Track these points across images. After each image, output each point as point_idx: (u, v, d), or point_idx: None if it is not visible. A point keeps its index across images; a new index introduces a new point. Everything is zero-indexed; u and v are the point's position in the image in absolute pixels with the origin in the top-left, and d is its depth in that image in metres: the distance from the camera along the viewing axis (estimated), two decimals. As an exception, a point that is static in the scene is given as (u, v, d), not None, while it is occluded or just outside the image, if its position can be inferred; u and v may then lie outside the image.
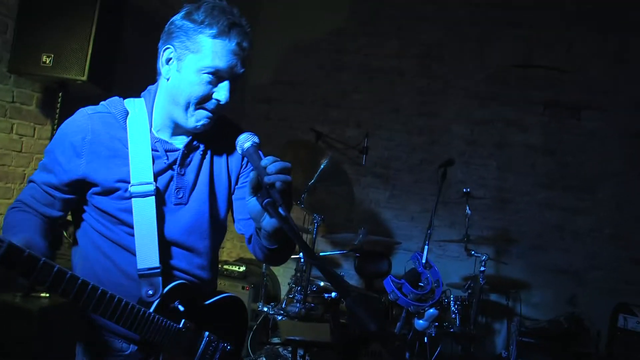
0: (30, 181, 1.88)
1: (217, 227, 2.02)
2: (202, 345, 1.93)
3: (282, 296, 5.74)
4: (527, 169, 6.02)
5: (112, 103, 1.89)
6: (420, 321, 4.03)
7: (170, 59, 1.81)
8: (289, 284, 4.99)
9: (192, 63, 1.76)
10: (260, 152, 1.75)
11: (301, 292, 4.62)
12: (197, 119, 1.82)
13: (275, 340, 4.57)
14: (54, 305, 3.53)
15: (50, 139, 3.76)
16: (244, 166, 2.06)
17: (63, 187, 1.83)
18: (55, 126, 3.78)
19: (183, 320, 1.85)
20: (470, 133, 6.19)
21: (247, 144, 1.74)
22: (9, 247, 1.39)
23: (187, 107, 1.80)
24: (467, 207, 4.94)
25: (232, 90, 1.82)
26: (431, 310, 3.98)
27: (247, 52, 1.81)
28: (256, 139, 1.76)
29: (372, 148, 5.94)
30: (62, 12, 3.56)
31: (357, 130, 6.36)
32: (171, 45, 1.79)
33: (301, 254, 4.74)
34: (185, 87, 1.78)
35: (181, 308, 1.85)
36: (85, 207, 1.88)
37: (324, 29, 6.63)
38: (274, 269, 6.03)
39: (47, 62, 3.54)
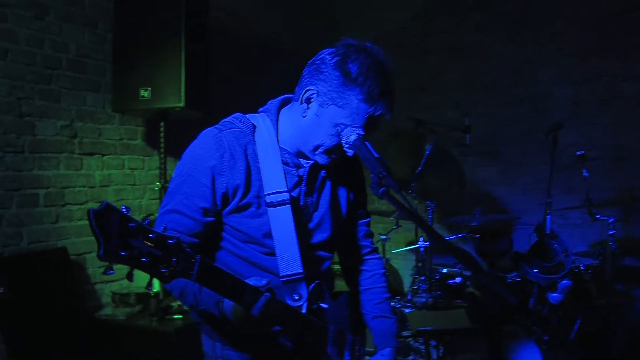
0: (171, 211, 1.77)
1: (337, 239, 2.05)
2: (348, 343, 1.94)
3: (405, 289, 5.69)
4: (642, 122, 5.63)
5: (237, 118, 1.87)
6: (554, 294, 3.87)
7: (311, 100, 1.79)
8: (411, 275, 4.94)
9: (333, 115, 1.75)
10: (367, 144, 1.73)
11: (425, 281, 4.56)
12: (322, 159, 1.83)
13: (406, 333, 4.52)
14: (187, 325, 3.69)
15: (159, 168, 3.93)
16: (358, 183, 2.11)
17: (212, 208, 1.77)
18: (162, 155, 3.92)
19: (326, 320, 1.87)
20: (574, 93, 5.88)
21: (353, 137, 1.73)
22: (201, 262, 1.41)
23: (315, 150, 1.81)
24: (585, 170, 4.68)
25: None
26: (564, 282, 3.82)
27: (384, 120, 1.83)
28: (360, 131, 1.74)
29: (473, 126, 5.77)
30: (152, 46, 3.70)
31: (455, 111, 6.18)
32: (315, 88, 1.77)
33: (419, 243, 4.69)
34: (320, 134, 1.78)
35: (325, 306, 1.86)
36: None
37: (404, 16, 6.55)
38: (393, 262, 6.00)
39: (146, 95, 3.69)
